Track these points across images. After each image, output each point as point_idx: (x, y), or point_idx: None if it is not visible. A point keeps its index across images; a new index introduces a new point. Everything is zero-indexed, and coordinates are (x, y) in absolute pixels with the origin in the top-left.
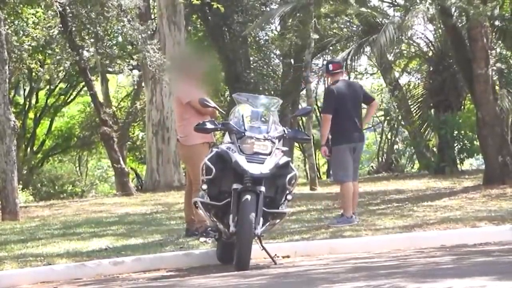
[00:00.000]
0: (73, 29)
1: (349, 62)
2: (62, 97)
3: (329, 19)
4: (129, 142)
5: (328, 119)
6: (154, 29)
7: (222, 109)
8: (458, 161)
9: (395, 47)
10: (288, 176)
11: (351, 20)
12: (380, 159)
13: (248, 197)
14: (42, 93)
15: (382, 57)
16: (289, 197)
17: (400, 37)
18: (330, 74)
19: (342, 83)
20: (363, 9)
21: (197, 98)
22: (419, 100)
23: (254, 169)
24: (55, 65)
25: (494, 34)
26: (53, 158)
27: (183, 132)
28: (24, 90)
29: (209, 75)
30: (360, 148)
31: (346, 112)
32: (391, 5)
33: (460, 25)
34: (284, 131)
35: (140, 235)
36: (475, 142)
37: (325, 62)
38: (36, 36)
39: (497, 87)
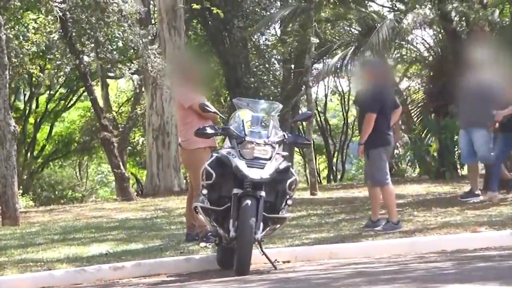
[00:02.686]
0: (74, 34)
1: (349, 66)
2: (62, 102)
3: (329, 24)
4: (129, 147)
5: (373, 118)
6: (155, 34)
7: (222, 114)
8: (458, 166)
9: (395, 52)
10: (289, 181)
11: (351, 25)
12: None
13: (248, 202)
14: (42, 98)
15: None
16: (289, 202)
17: (396, 40)
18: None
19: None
20: (362, 9)
21: (198, 102)
22: (419, 105)
23: (254, 174)
24: (55, 70)
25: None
26: (53, 163)
27: (184, 137)
28: (24, 95)
29: (209, 78)
30: (390, 151)
31: (384, 114)
32: (391, 10)
33: (460, 30)
34: (284, 136)
35: (140, 240)
36: None
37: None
38: (36, 41)
39: None
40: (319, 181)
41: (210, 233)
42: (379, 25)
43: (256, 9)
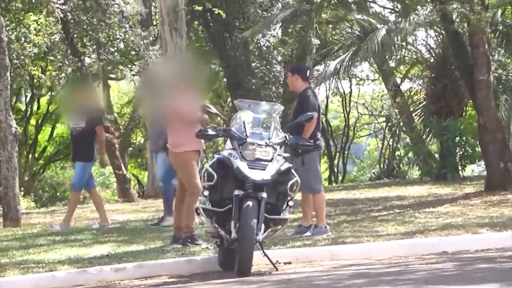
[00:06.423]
0: (75, 35)
1: (350, 68)
2: None
3: (330, 26)
4: (130, 149)
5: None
6: (156, 35)
7: (224, 115)
8: (459, 167)
9: (397, 53)
10: (290, 183)
11: (353, 27)
12: (381, 165)
13: (250, 203)
14: (43, 100)
15: (380, 63)
16: (290, 203)
17: (397, 43)
18: (304, 79)
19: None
20: (359, 16)
21: (182, 109)
22: (420, 106)
23: (255, 175)
24: (57, 72)
25: (495, 40)
26: (54, 165)
27: (172, 140)
28: (26, 96)
29: (207, 85)
30: (321, 155)
31: (318, 118)
32: (392, 12)
33: (461, 31)
34: (285, 137)
35: (142, 242)
36: (476, 148)
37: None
38: (37, 42)
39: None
40: None
41: (190, 239)
42: (380, 26)
43: (258, 10)
